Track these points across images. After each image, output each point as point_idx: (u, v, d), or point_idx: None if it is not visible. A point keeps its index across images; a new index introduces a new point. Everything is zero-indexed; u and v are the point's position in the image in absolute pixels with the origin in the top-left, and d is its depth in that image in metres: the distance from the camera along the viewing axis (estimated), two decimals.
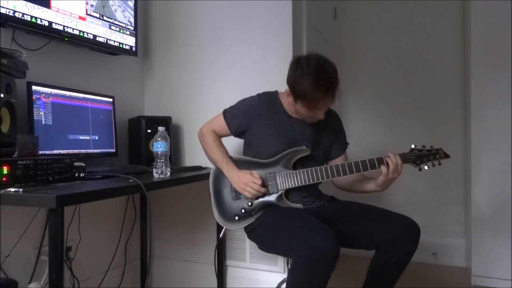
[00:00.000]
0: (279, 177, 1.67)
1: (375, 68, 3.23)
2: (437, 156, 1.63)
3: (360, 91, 3.28)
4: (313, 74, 1.51)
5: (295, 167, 1.69)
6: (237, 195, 1.70)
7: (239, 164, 1.72)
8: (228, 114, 1.78)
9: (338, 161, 1.79)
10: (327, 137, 1.79)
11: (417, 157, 1.63)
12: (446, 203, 3.02)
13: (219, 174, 1.75)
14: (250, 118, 1.73)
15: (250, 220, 1.66)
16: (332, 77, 1.53)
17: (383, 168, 1.58)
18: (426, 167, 1.63)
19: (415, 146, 1.65)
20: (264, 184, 1.65)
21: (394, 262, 1.58)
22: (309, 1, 2.50)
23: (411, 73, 3.13)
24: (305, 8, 2.45)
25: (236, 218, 1.68)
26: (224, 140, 1.83)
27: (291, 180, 1.66)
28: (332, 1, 3.24)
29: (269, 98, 1.76)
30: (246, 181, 1.64)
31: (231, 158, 1.74)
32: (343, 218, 1.64)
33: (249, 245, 2.33)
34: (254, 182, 1.63)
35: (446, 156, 1.64)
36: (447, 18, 3.03)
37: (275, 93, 1.79)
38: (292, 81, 1.58)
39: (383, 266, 1.60)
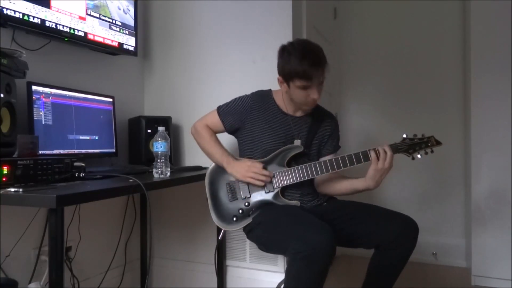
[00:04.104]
0: (274, 175, 1.67)
1: (375, 68, 3.23)
2: (429, 144, 1.62)
3: (360, 91, 3.28)
4: (299, 51, 1.57)
5: (289, 164, 1.69)
6: (233, 196, 1.70)
7: None
8: (222, 110, 1.79)
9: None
10: (322, 136, 1.78)
11: (409, 146, 1.63)
12: (446, 202, 3.02)
13: (214, 177, 1.76)
14: (243, 116, 1.74)
15: (248, 220, 1.66)
16: (317, 51, 1.59)
17: (373, 156, 1.57)
18: (419, 156, 1.62)
19: (406, 135, 1.65)
20: (265, 167, 1.65)
21: (393, 261, 1.58)
22: (309, 1, 2.50)
23: (411, 73, 3.12)
24: (305, 8, 2.45)
25: (234, 219, 1.68)
26: (218, 137, 1.84)
27: (286, 178, 1.66)
28: (332, 1, 3.25)
29: (263, 96, 1.77)
30: (247, 168, 1.65)
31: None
32: (342, 217, 1.64)
33: (249, 245, 2.33)
34: (256, 167, 1.64)
35: (438, 143, 1.63)
36: (447, 18, 3.02)
37: (269, 91, 1.80)
38: (281, 66, 1.62)
39: (382, 265, 1.60)
